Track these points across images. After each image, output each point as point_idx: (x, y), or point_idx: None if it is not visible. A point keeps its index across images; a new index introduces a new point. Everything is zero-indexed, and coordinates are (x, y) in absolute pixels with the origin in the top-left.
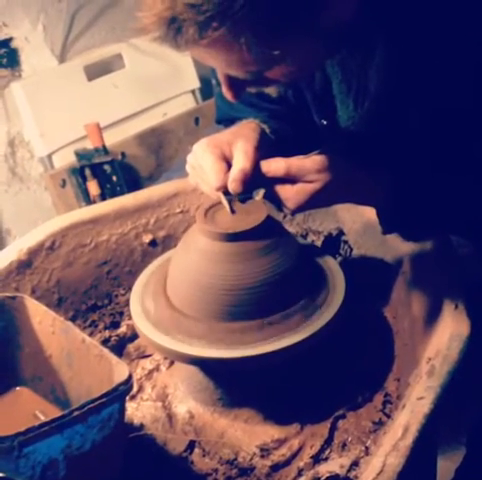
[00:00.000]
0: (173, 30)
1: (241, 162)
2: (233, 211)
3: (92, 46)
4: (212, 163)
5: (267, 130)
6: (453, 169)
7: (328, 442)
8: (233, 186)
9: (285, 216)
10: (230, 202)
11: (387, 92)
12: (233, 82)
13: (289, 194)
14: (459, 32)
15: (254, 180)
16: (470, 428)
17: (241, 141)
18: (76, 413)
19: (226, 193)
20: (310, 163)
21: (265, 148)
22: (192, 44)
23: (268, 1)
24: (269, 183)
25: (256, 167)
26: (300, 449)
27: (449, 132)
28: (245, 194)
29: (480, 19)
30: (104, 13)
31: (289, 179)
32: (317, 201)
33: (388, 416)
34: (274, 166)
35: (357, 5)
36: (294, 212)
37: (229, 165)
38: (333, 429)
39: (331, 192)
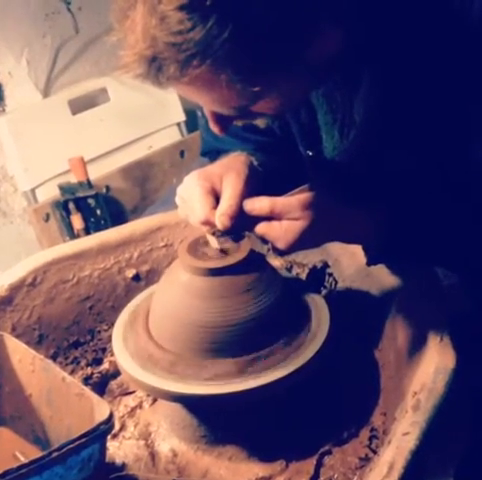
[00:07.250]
0: (154, 68)
1: (229, 197)
2: (224, 251)
3: (76, 80)
4: (200, 197)
5: (255, 162)
6: (441, 200)
7: (314, 479)
8: (221, 220)
9: (269, 249)
10: (220, 240)
11: (372, 123)
12: (219, 116)
13: (278, 234)
14: (443, 63)
15: (242, 217)
16: (458, 460)
17: (231, 175)
18: (55, 454)
19: (217, 231)
20: (295, 201)
21: (255, 181)
22: (174, 81)
23: (250, 39)
24: (255, 222)
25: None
26: None
27: (435, 162)
28: (236, 231)
29: (462, 50)
30: (88, 47)
31: (274, 217)
32: (307, 240)
33: (374, 452)
34: (258, 205)
35: (343, 39)
36: (285, 253)
37: (218, 199)
38: (319, 466)
39: (319, 229)
